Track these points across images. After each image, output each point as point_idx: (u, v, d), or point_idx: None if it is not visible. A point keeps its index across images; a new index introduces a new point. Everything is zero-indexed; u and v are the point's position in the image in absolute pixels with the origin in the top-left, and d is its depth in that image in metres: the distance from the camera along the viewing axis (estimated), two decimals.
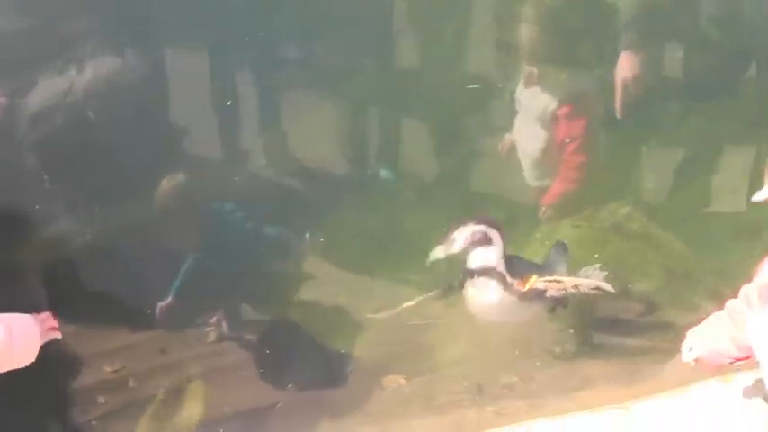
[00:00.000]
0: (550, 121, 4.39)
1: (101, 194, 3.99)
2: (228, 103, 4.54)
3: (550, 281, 3.53)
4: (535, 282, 3.58)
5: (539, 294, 3.60)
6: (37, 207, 3.82)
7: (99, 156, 3.99)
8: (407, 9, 4.74)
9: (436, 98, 4.74)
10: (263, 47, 4.61)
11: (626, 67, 4.26)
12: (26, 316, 2.74)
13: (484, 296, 3.56)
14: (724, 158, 4.65)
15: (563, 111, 4.37)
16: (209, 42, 4.55)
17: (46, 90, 4.03)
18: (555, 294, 3.56)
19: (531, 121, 4.44)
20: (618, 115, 4.35)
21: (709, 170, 4.68)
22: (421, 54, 4.82)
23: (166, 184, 4.15)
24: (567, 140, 4.41)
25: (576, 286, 3.51)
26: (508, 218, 4.57)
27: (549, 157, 4.48)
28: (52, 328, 2.87)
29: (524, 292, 3.57)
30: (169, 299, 4.19)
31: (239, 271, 4.28)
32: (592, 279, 3.58)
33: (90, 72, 4.04)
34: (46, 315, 2.89)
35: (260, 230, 4.38)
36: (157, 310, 4.19)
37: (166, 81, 4.26)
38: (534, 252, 4.42)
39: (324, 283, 4.47)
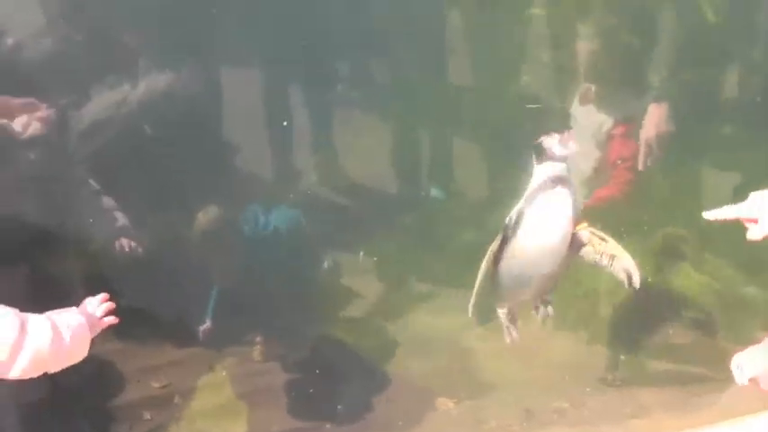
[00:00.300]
0: (605, 140, 4.33)
1: (152, 208, 4.00)
2: (285, 124, 4.53)
3: (597, 235, 3.39)
4: (584, 228, 3.43)
5: (577, 246, 3.36)
6: (91, 221, 3.82)
7: (151, 170, 3.99)
8: (461, 27, 4.69)
9: (488, 116, 4.69)
10: (316, 64, 4.60)
11: (652, 123, 4.19)
12: (72, 311, 2.60)
13: (560, 208, 3.24)
14: None
15: (618, 130, 4.30)
16: (263, 59, 4.54)
17: (99, 103, 4.06)
18: (587, 255, 3.40)
19: (586, 138, 4.34)
20: (640, 167, 4.30)
21: None
22: (474, 72, 4.76)
23: (202, 217, 4.12)
24: (619, 162, 4.35)
25: (612, 257, 3.36)
26: None
27: (601, 177, 4.41)
28: (108, 314, 2.68)
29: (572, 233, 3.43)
30: (207, 323, 4.16)
31: (282, 287, 4.27)
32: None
33: (144, 86, 4.05)
34: (96, 302, 2.65)
35: (277, 229, 4.30)
36: (200, 334, 4.16)
37: (219, 97, 4.27)
38: (586, 275, 4.37)
39: (374, 302, 4.45)
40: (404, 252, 4.61)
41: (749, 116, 4.54)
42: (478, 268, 3.69)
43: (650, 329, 4.27)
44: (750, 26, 4.51)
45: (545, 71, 4.54)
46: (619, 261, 3.31)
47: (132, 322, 3.70)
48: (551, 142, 3.16)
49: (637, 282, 3.28)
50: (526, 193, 3.23)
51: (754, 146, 4.51)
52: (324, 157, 4.71)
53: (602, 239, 3.32)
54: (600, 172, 4.40)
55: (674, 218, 4.54)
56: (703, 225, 4.47)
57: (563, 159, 3.19)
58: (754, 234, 2.42)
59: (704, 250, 4.49)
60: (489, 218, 4.59)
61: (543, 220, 3.21)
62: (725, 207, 2.47)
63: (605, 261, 3.32)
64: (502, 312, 3.57)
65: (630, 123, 4.30)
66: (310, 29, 4.39)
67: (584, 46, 4.23)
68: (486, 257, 3.29)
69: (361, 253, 4.47)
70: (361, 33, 4.51)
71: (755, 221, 2.41)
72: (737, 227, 4.54)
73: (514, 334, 3.62)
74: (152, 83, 4.04)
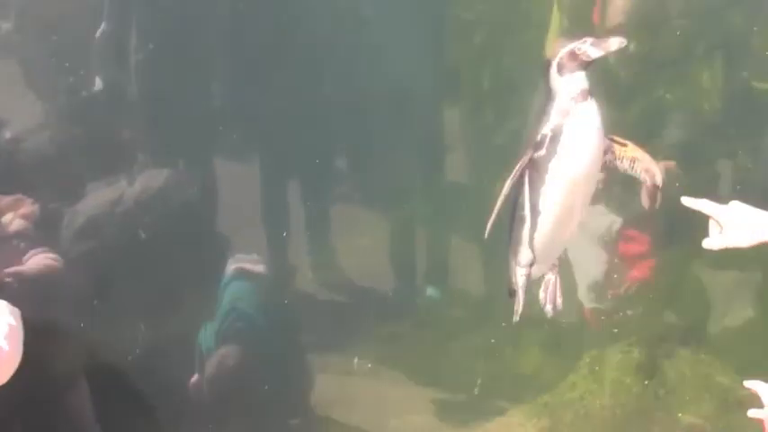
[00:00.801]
0: (615, 241, 4.34)
1: (146, 309, 4.01)
2: (284, 234, 4.59)
3: (617, 141, 3.23)
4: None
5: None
6: (81, 325, 3.80)
7: (145, 267, 4.01)
8: (458, 126, 4.73)
9: (485, 215, 4.71)
10: (313, 162, 4.67)
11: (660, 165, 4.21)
12: None
13: (596, 119, 3.09)
14: None
15: (631, 232, 4.34)
16: (260, 156, 4.58)
17: (96, 200, 4.08)
18: (609, 162, 3.24)
19: (594, 240, 4.33)
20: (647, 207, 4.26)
21: (762, 293, 4.60)
22: (471, 170, 4.81)
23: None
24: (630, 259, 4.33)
25: (633, 159, 3.21)
26: (554, 340, 4.52)
27: (611, 279, 4.39)
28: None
29: None
30: (195, 376, 4.12)
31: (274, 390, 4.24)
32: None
33: (140, 184, 4.09)
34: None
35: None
36: (189, 387, 4.11)
37: (216, 196, 4.31)
38: (584, 378, 4.36)
39: (369, 404, 4.36)
40: (401, 354, 4.59)
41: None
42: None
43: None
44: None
45: None
46: (640, 163, 3.09)
47: (131, 420, 3.70)
48: (584, 47, 2.86)
49: (659, 181, 3.13)
50: (555, 108, 2.88)
51: None
52: (320, 256, 4.77)
53: (623, 144, 3.18)
54: (610, 275, 4.37)
55: (671, 316, 4.55)
56: (701, 324, 4.56)
57: (588, 67, 3.05)
58: (711, 243, 2.40)
59: (701, 349, 4.49)
60: (486, 318, 4.63)
61: (583, 134, 2.89)
62: (705, 200, 2.46)
63: (626, 165, 3.15)
64: (522, 274, 3.07)
65: (641, 221, 4.30)
66: (309, 129, 4.47)
67: None
68: (512, 177, 2.89)
69: (356, 359, 4.47)
70: (359, 133, 4.57)
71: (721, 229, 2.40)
72: (736, 327, 4.60)
73: (521, 306, 3.34)
74: (149, 181, 4.09)
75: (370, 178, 4.81)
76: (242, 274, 4.28)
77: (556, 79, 2.86)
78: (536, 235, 2.89)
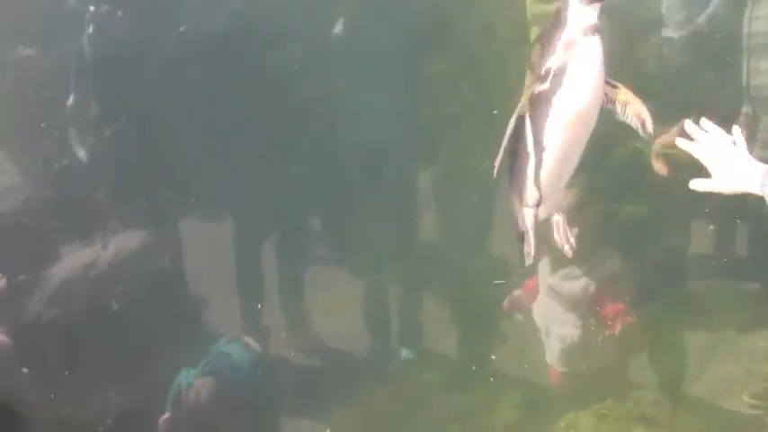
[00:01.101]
0: (589, 305, 4.27)
1: (119, 375, 4.00)
2: (259, 306, 4.63)
3: (609, 83, 3.13)
4: None
5: None
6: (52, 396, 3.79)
7: (118, 332, 4.01)
8: (431, 188, 4.77)
9: (458, 277, 4.70)
10: (286, 222, 4.74)
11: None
12: None
13: (599, 56, 3.01)
14: (746, 342, 4.62)
15: (601, 295, 4.24)
16: (234, 219, 4.63)
17: (70, 262, 4.10)
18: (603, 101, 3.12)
19: (566, 305, 4.30)
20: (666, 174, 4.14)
21: (731, 355, 4.63)
22: (443, 232, 4.83)
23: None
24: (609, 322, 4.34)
25: (624, 103, 3.10)
26: (529, 403, 4.51)
27: (586, 341, 4.40)
28: None
29: None
30: (167, 414, 4.06)
31: None
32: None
33: (114, 247, 4.10)
34: None
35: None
36: (159, 425, 4.05)
37: (190, 257, 4.33)
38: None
39: None
40: (376, 420, 4.58)
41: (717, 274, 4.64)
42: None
43: None
44: None
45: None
46: (632, 107, 3.02)
47: None
48: None
49: (650, 127, 3.03)
50: (563, 41, 2.80)
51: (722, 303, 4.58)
52: (294, 319, 4.78)
53: (614, 86, 3.09)
54: (585, 338, 4.37)
55: (645, 378, 4.57)
56: (676, 386, 4.58)
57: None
58: (698, 184, 2.35)
59: (676, 411, 4.49)
60: (463, 380, 4.63)
61: (588, 68, 2.82)
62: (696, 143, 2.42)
63: (618, 108, 3.05)
64: (530, 214, 2.95)
65: (613, 284, 4.32)
66: (282, 187, 4.52)
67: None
68: (519, 108, 2.80)
69: (328, 431, 4.45)
70: (333, 197, 4.62)
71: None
72: (710, 388, 4.62)
73: (533, 247, 3.21)
74: (124, 244, 4.10)
75: (345, 241, 4.83)
76: (237, 339, 4.30)
77: (577, 8, 2.80)
78: (542, 171, 2.80)
